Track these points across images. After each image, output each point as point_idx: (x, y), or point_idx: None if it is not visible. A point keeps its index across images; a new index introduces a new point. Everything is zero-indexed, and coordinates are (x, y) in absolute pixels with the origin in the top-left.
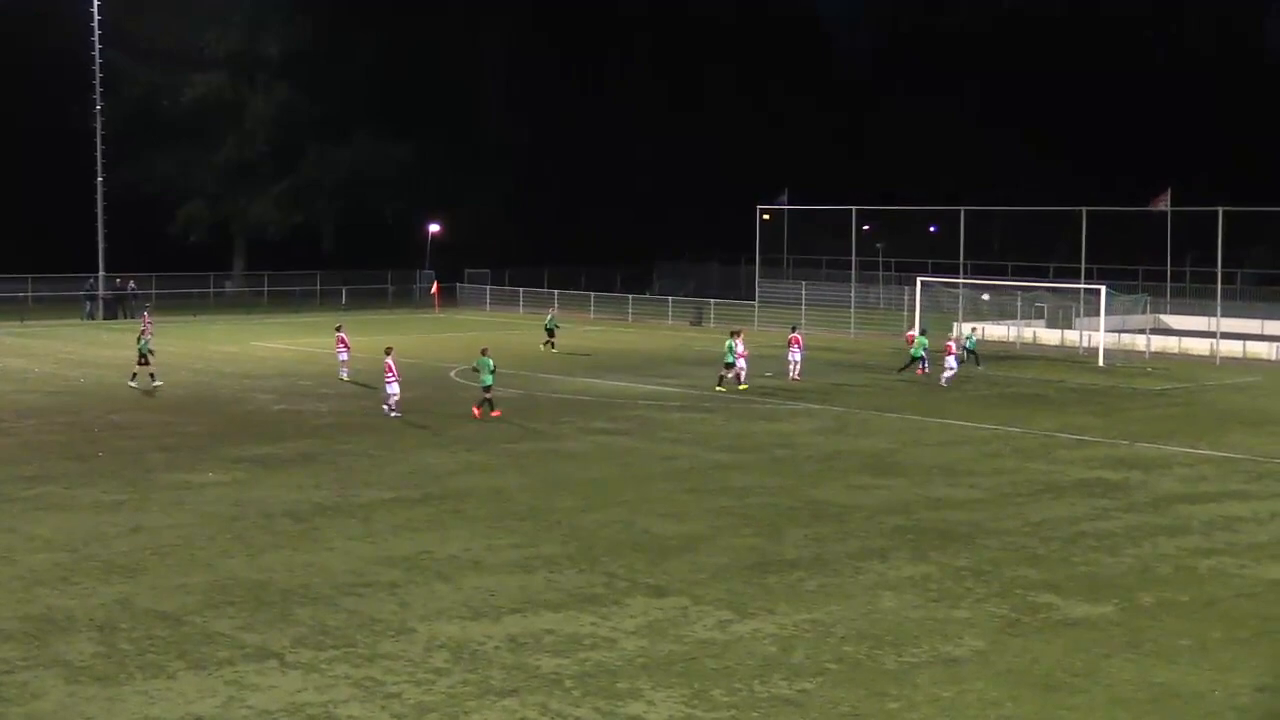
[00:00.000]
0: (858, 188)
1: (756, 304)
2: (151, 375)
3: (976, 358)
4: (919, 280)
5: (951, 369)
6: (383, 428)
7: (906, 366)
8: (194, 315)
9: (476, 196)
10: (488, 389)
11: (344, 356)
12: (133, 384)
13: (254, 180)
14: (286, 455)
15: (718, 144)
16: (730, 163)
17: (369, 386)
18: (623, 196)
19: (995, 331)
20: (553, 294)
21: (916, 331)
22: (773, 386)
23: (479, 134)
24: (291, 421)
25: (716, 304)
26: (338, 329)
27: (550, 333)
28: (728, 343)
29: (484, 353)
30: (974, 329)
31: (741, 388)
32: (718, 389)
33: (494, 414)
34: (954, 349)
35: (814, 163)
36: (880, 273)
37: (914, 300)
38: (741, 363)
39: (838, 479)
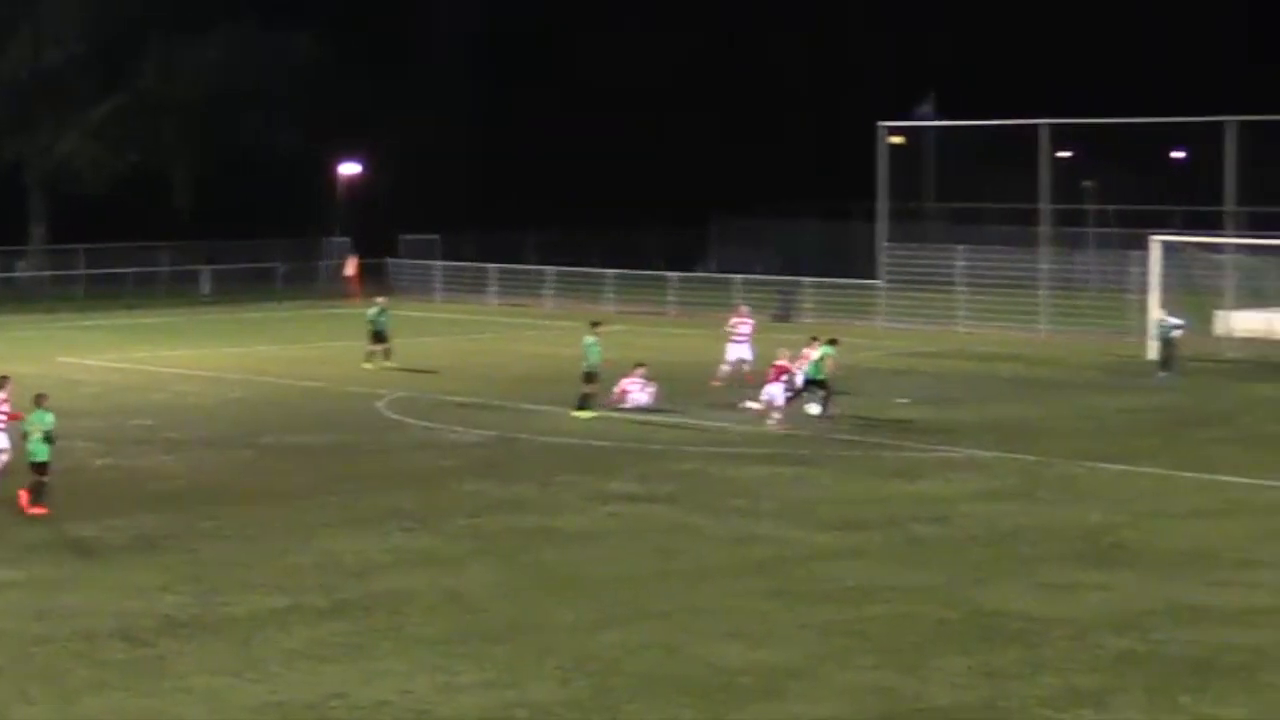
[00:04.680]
0: (1051, 89)
1: (883, 283)
2: None
3: (1170, 358)
4: (1155, 240)
5: (774, 402)
6: (272, 494)
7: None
8: None
9: (418, 118)
10: None
11: None
12: None
13: (59, 100)
14: (117, 539)
15: (814, 22)
16: (836, 54)
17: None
18: (657, 115)
19: None
20: (542, 271)
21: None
22: (909, 420)
23: (421, 18)
24: (124, 484)
25: (815, 286)
26: None
27: None
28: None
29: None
30: (1165, 316)
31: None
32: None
33: None
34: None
35: (978, 50)
36: (1091, 229)
37: (1149, 272)
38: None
39: (1022, 574)
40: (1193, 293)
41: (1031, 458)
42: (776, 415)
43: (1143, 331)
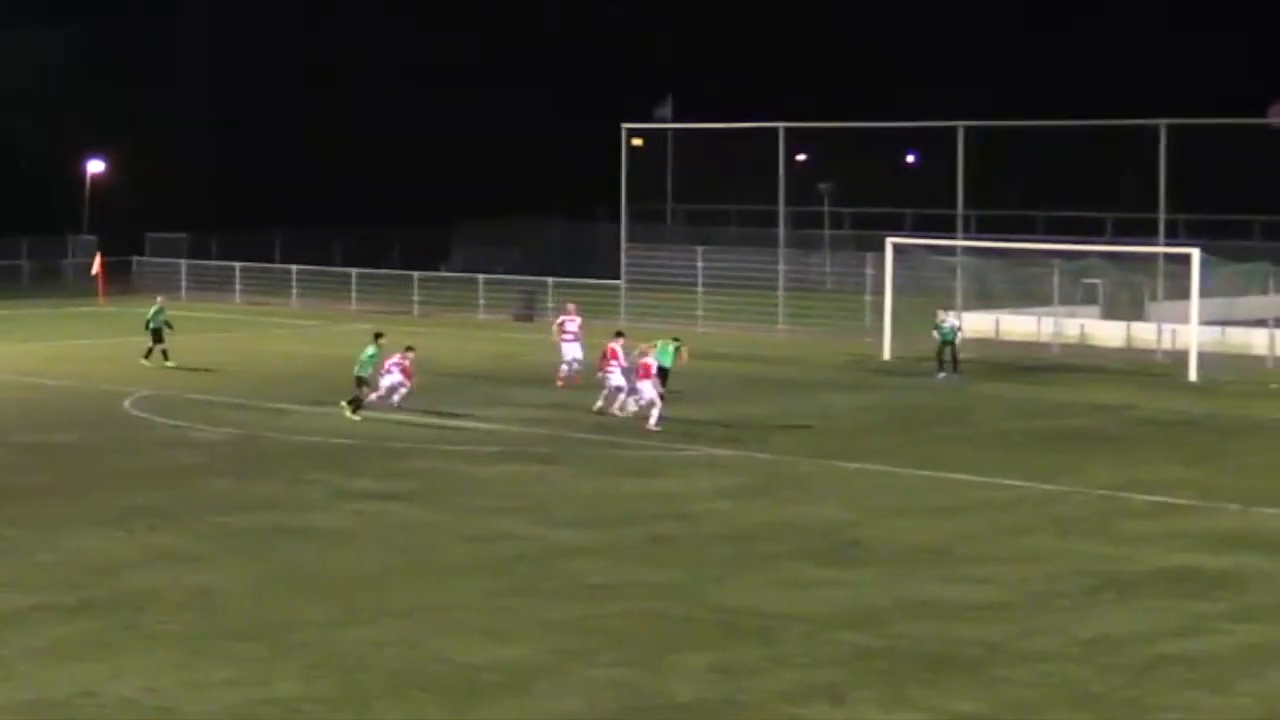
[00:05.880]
0: (788, 92)
1: (623, 284)
2: None
3: (954, 359)
4: (889, 242)
5: (651, 399)
6: (18, 492)
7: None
8: None
9: (165, 117)
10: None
11: None
12: None
13: None
14: None
15: (554, 25)
16: (578, 56)
17: None
18: (398, 119)
19: (1017, 325)
20: (287, 270)
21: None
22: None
23: (168, 17)
24: None
25: (557, 285)
26: None
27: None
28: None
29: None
30: (946, 316)
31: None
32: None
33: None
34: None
35: (716, 54)
36: (826, 231)
37: (883, 273)
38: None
39: (762, 571)
40: (925, 294)
41: (769, 456)
42: (655, 412)
43: (878, 331)
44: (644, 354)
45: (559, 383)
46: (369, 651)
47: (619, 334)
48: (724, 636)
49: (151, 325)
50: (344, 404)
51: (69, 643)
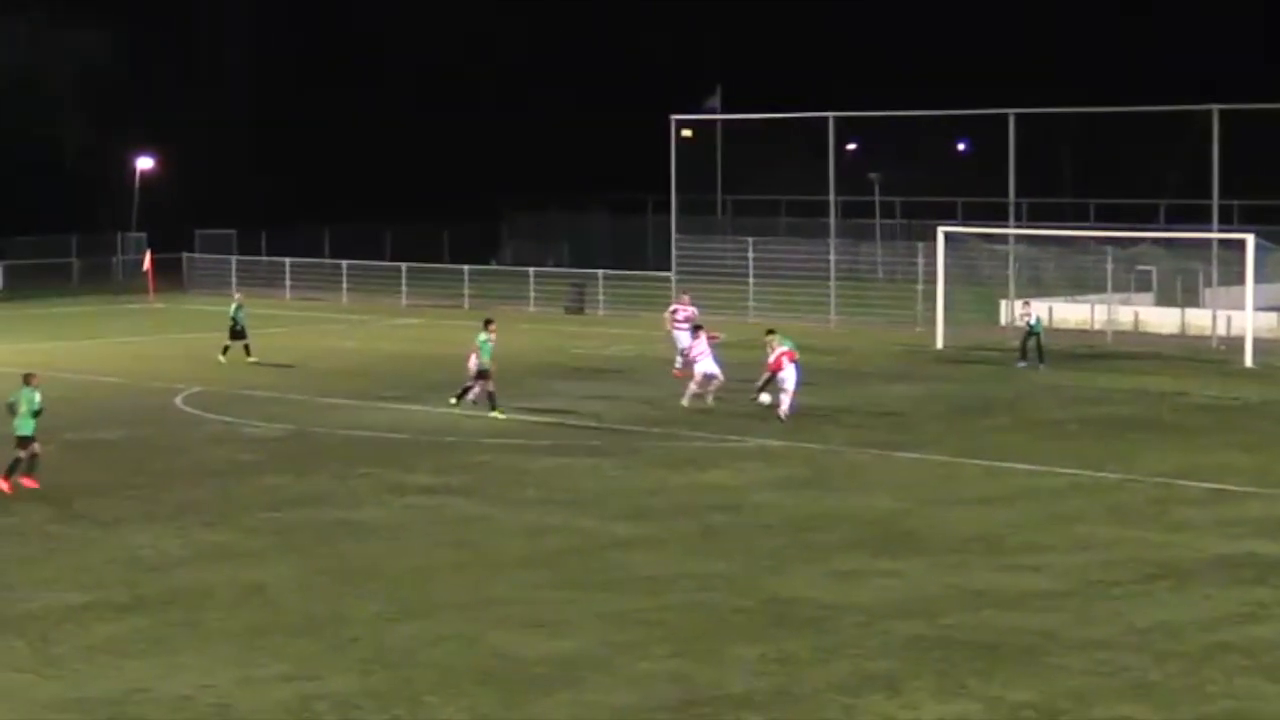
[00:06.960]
0: (837, 83)
1: (674, 275)
2: None
3: (1040, 350)
4: (941, 231)
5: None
6: (71, 490)
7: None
8: None
9: (212, 114)
10: None
11: None
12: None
13: None
14: None
15: (602, 20)
16: (625, 49)
17: None
18: (447, 112)
19: (1071, 313)
20: (337, 265)
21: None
22: (699, 409)
23: (213, 14)
24: None
25: (608, 278)
26: None
27: None
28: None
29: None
30: (1027, 306)
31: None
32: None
33: None
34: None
35: (765, 44)
36: (877, 220)
37: (935, 262)
38: (711, 366)
39: (814, 561)
40: (977, 283)
41: (821, 446)
42: (786, 400)
43: (930, 321)
44: (772, 347)
45: (678, 373)
46: (422, 646)
47: (698, 328)
48: (777, 627)
49: (237, 323)
50: (493, 411)
51: (122, 640)
